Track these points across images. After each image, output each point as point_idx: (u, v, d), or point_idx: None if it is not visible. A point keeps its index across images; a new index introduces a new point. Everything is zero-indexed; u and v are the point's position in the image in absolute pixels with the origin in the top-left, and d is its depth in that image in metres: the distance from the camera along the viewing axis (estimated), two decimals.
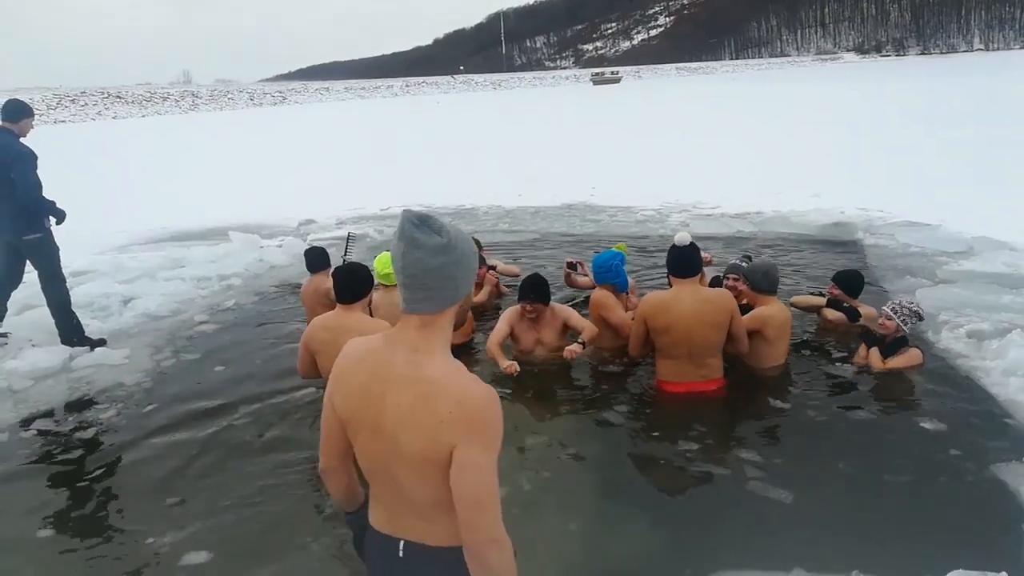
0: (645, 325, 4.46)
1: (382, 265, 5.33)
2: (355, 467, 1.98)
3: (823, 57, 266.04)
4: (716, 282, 5.60)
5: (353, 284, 4.01)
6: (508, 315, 5.17)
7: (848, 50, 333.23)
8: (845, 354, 5.11)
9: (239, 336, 6.32)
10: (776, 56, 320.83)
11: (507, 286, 7.08)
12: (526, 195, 13.32)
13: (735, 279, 5.49)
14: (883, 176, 12.67)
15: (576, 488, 3.72)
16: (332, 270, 5.27)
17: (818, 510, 3.43)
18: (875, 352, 4.79)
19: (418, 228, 1.66)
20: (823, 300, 5.48)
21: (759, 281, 4.83)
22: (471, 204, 13.00)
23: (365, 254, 9.24)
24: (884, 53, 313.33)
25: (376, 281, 5.30)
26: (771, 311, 4.77)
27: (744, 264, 5.59)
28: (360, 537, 2.06)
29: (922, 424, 4.13)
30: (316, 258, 6.03)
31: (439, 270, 1.67)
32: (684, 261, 4.35)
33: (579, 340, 4.90)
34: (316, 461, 1.99)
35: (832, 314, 5.36)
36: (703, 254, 4.98)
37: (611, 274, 5.21)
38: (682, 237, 4.40)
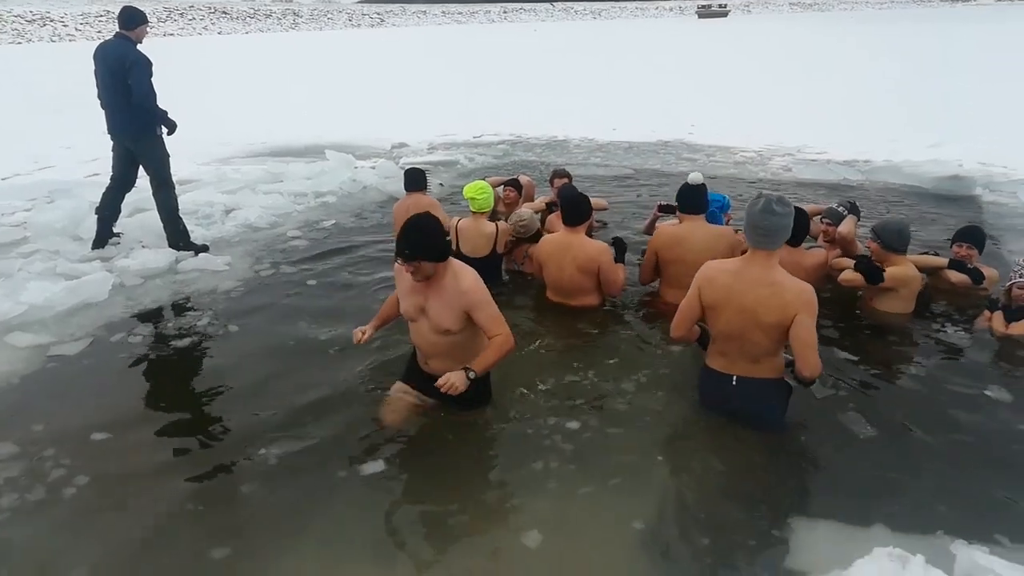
0: (656, 256, 4.90)
1: (471, 191, 5.31)
2: None
3: None
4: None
5: (575, 212, 4.80)
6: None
7: None
8: (959, 316, 4.74)
9: (331, 252, 6.48)
10: None
11: (597, 221, 6.98)
12: (621, 129, 13.00)
13: (829, 224, 5.24)
14: (1012, 129, 11.67)
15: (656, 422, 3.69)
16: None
17: (891, 468, 3.24)
18: (999, 316, 4.46)
19: (775, 204, 3.11)
20: (944, 261, 5.00)
21: (892, 240, 4.62)
22: (563, 136, 12.80)
23: (456, 180, 9.28)
24: None
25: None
26: (907, 272, 4.62)
27: (842, 210, 5.26)
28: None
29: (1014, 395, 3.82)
30: (414, 178, 6.21)
31: (781, 230, 3.14)
32: (695, 199, 4.81)
33: (467, 367, 3.25)
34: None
35: (955, 276, 4.87)
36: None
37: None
38: (695, 177, 4.84)
